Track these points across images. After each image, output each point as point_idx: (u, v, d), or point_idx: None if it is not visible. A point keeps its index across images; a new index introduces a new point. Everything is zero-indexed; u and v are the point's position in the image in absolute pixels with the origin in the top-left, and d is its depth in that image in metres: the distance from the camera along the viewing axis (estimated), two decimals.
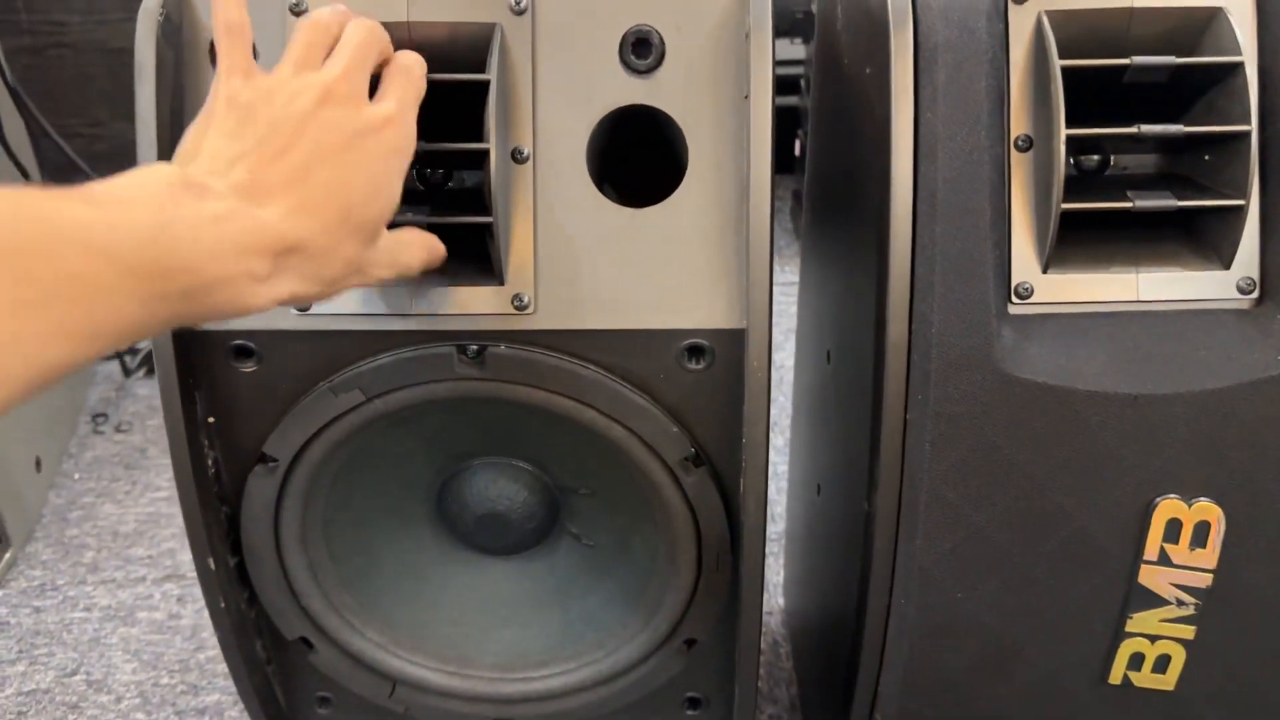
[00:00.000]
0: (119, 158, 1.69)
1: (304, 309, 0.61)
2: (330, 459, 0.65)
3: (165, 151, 0.59)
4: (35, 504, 1.25)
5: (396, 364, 0.61)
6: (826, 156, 0.79)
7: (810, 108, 0.83)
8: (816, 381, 0.84)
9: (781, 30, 1.89)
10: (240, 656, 0.71)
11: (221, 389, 0.63)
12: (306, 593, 0.69)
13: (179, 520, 1.24)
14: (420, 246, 0.55)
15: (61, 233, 0.37)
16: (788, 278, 1.77)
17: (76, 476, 1.32)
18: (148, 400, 1.46)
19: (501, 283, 0.60)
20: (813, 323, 0.85)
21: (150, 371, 1.51)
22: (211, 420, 0.63)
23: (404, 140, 0.50)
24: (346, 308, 0.61)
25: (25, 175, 1.26)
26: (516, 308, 0.61)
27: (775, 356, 1.49)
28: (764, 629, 1.07)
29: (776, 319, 1.63)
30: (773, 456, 1.31)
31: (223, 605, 0.67)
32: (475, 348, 0.61)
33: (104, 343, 0.39)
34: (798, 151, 1.98)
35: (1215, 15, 0.59)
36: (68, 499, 1.28)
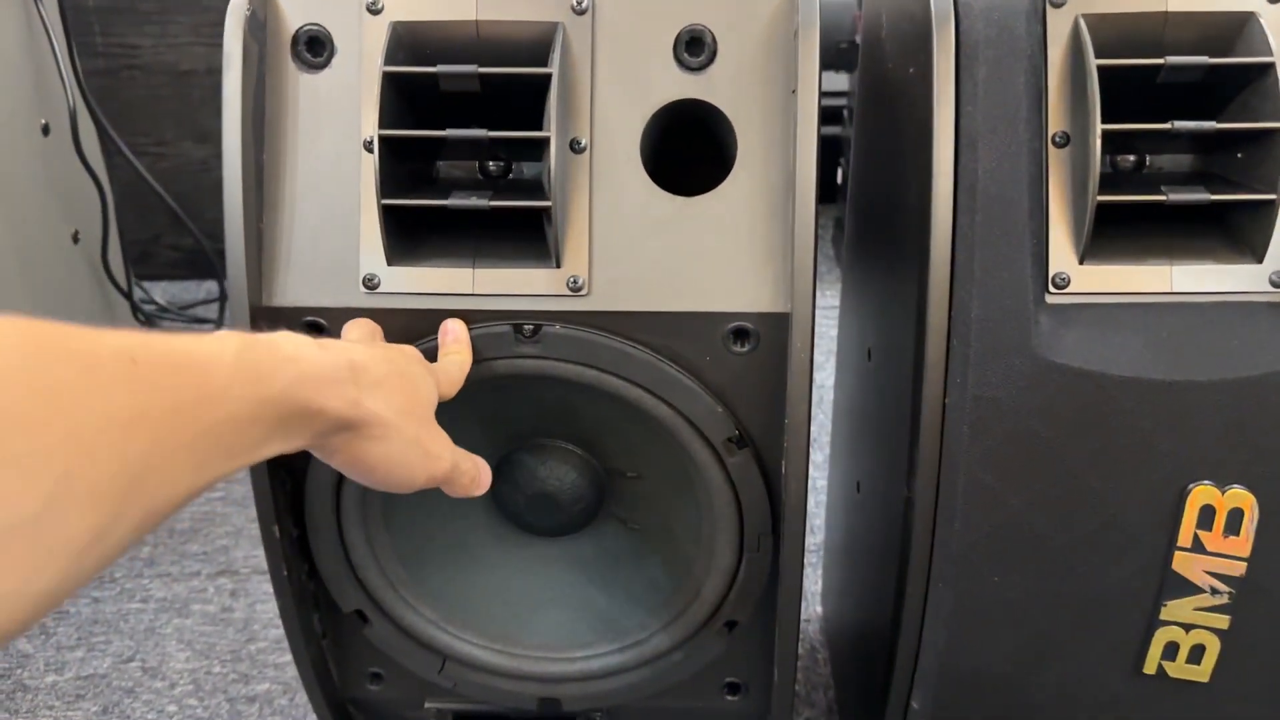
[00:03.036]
0: (183, 174, 1.76)
1: (373, 286, 0.64)
2: None
3: (249, 134, 0.63)
4: None
5: None
6: (870, 164, 0.81)
7: (854, 119, 0.86)
8: (857, 381, 0.86)
9: (826, 63, 1.93)
10: (299, 627, 0.74)
11: None
12: (363, 566, 0.72)
13: (234, 519, 1.28)
14: (468, 462, 0.62)
15: (171, 356, 0.42)
16: (828, 302, 1.79)
17: None
18: None
19: (558, 265, 0.64)
20: (854, 326, 0.88)
21: None
22: None
23: (430, 377, 0.60)
24: (411, 286, 0.64)
25: (100, 188, 1.32)
26: (571, 289, 0.64)
27: (816, 376, 1.51)
28: (802, 634, 1.09)
29: (818, 341, 1.65)
30: (811, 471, 1.32)
31: (285, 574, 0.71)
32: (531, 327, 0.64)
33: (235, 458, 0.44)
34: (840, 180, 2.01)
35: (1248, 19, 0.62)
36: None
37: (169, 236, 1.85)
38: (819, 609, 1.12)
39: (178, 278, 1.87)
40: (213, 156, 1.81)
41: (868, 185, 0.82)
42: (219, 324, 1.62)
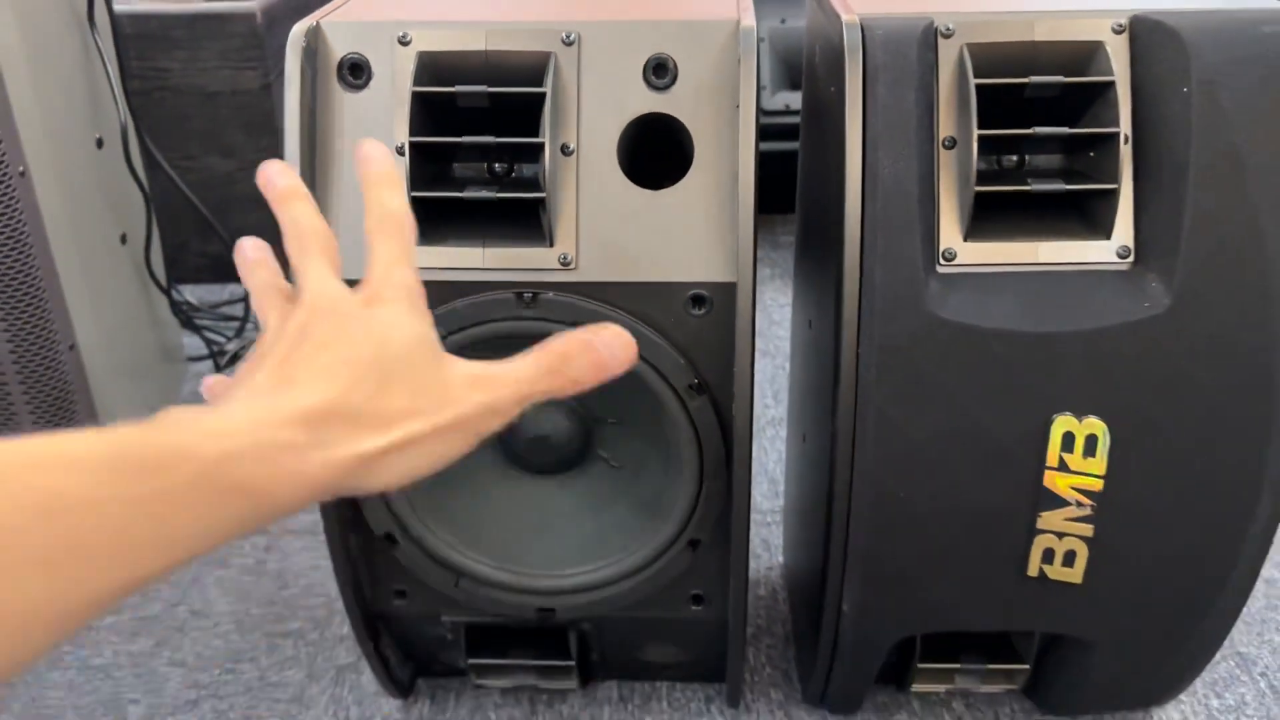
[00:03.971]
0: (210, 186, 1.91)
1: None
2: None
3: (305, 140, 0.79)
4: None
5: (470, 307, 0.80)
6: (810, 168, 0.98)
7: (800, 131, 1.02)
8: (802, 348, 1.02)
9: (795, 84, 2.10)
10: (340, 548, 0.89)
11: None
12: (393, 494, 0.88)
13: None
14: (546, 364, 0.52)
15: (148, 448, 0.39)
16: None
17: None
18: None
19: (551, 245, 0.80)
20: (800, 302, 1.04)
21: None
22: None
23: (413, 299, 0.52)
24: (435, 262, 0.80)
25: (145, 195, 1.48)
26: (562, 264, 0.80)
27: (787, 365, 1.67)
28: (765, 580, 1.24)
29: (786, 327, 1.80)
30: (779, 445, 1.48)
31: (329, 500, 0.86)
32: (530, 294, 0.80)
33: (182, 548, 0.39)
34: None
35: (1098, 47, 0.78)
36: None
37: (196, 244, 2.01)
38: (780, 559, 1.28)
39: (203, 281, 2.03)
40: (237, 170, 1.97)
41: (809, 186, 0.98)
42: (244, 320, 1.79)
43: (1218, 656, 1.12)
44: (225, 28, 1.88)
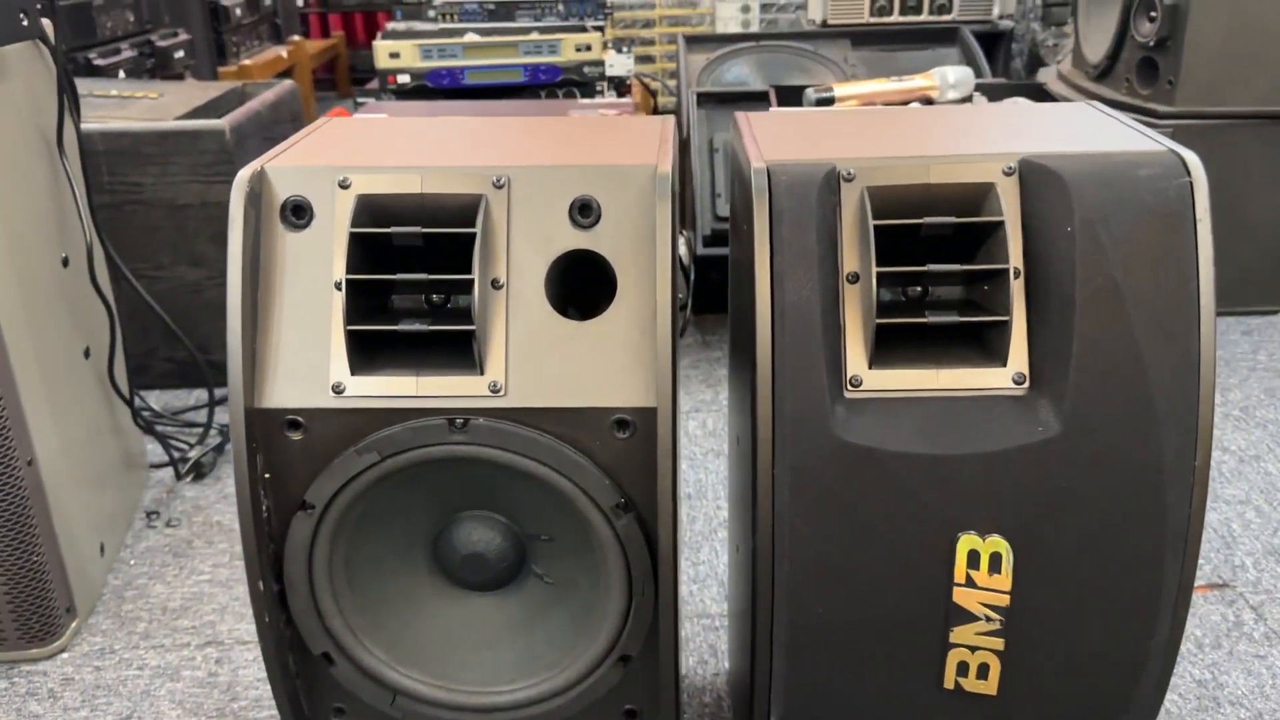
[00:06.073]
0: (178, 295, 1.96)
1: (340, 391, 0.84)
2: (353, 507, 0.87)
3: (248, 277, 0.84)
4: (98, 583, 1.46)
5: (404, 432, 0.84)
6: (736, 297, 1.03)
7: (729, 264, 1.08)
8: (734, 464, 1.06)
9: None
10: (278, 667, 0.91)
11: (276, 452, 0.86)
12: (330, 615, 0.90)
13: (220, 598, 1.45)
14: None
15: None
16: None
17: (132, 563, 1.54)
18: (194, 501, 1.69)
19: (482, 373, 0.84)
20: (731, 421, 1.08)
21: (197, 477, 1.74)
22: (267, 476, 0.86)
23: None
24: (370, 391, 0.84)
25: (109, 311, 1.52)
26: (492, 391, 0.84)
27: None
28: (710, 685, 1.26)
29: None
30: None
31: (267, 620, 0.89)
32: (461, 420, 0.84)
33: None
34: None
35: (990, 188, 0.84)
36: (124, 581, 1.49)
37: (163, 350, 2.05)
38: (726, 664, 1.30)
39: (170, 387, 2.06)
40: (205, 279, 2.02)
41: (737, 313, 1.04)
42: (208, 427, 1.81)
43: None
44: (196, 144, 1.95)
